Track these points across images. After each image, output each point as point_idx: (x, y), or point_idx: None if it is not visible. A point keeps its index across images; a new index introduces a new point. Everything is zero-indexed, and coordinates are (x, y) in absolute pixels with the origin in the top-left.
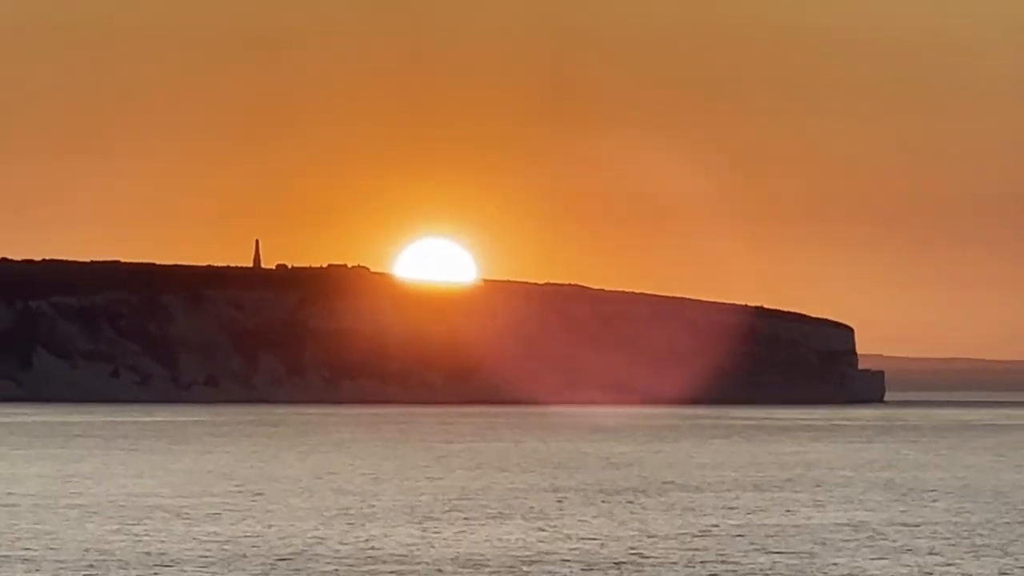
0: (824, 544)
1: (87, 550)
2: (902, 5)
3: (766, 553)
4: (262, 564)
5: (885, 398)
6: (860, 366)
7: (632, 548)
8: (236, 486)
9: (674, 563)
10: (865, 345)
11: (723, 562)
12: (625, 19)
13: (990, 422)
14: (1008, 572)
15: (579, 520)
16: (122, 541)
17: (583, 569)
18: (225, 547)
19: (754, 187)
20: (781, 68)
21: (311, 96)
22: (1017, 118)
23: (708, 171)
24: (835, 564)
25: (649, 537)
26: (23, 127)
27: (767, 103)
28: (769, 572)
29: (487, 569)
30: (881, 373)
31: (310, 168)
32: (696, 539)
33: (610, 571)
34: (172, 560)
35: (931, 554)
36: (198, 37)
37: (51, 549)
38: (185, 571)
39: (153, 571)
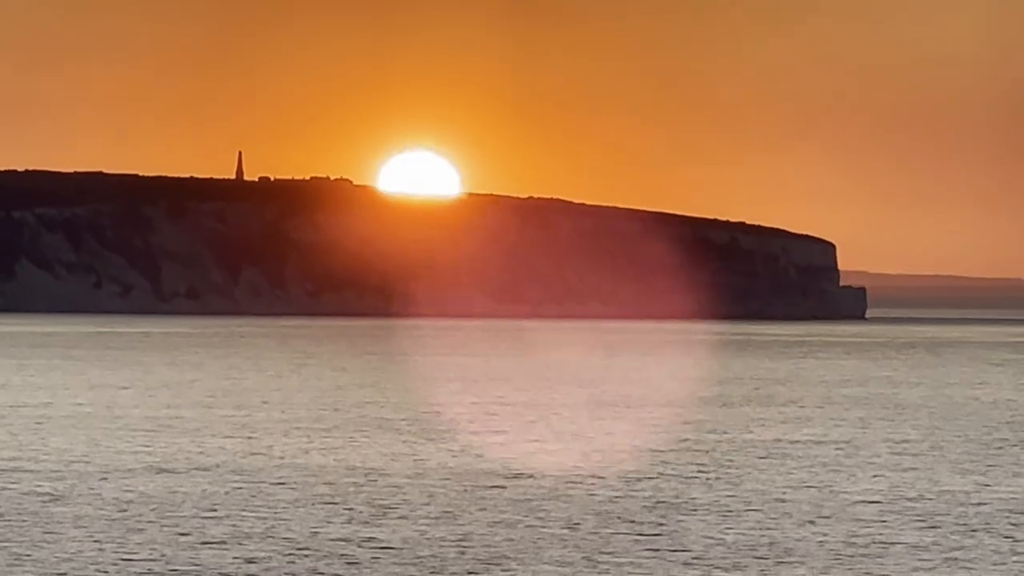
0: (800, 461)
1: (58, 460)
2: None
3: (736, 468)
4: (242, 476)
5: (867, 315)
6: (842, 282)
7: (603, 463)
8: (214, 398)
9: (648, 478)
10: (847, 261)
11: (694, 478)
12: None
13: (972, 339)
14: (987, 488)
15: (555, 434)
16: (94, 452)
17: (557, 482)
18: (206, 458)
19: (736, 103)
20: None
21: (296, 8)
22: (1001, 32)
23: (689, 86)
24: (811, 482)
25: (620, 452)
26: (6, 39)
27: (750, 13)
28: (742, 490)
29: (465, 482)
30: (863, 290)
31: (294, 80)
32: (668, 454)
33: (586, 482)
34: (150, 469)
35: (910, 470)
36: None
37: (22, 459)
38: (154, 481)
39: (124, 481)
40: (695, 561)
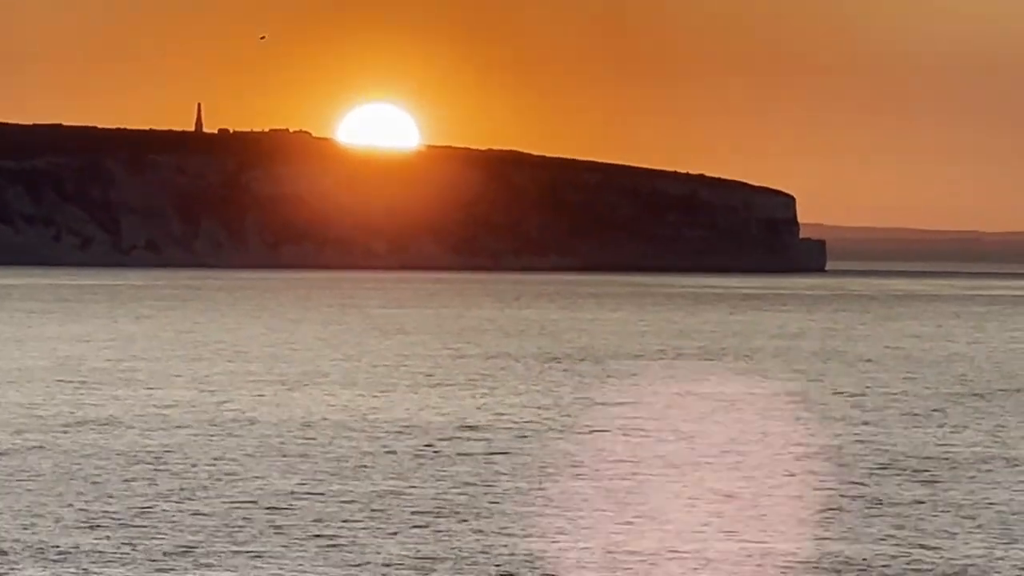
0: (761, 415)
1: (23, 414)
2: None
3: (700, 421)
4: (197, 428)
5: (826, 267)
6: (801, 235)
7: (567, 414)
8: (172, 351)
9: (607, 430)
10: (807, 214)
11: (656, 429)
12: None
13: (928, 292)
14: (943, 440)
15: (517, 387)
16: (56, 404)
17: (517, 436)
18: (162, 412)
19: (694, 55)
20: None
21: None
22: None
23: (650, 40)
24: (769, 431)
25: (586, 405)
26: None
27: None
28: (704, 440)
29: (426, 436)
30: (822, 242)
31: (253, 31)
32: (631, 407)
33: (544, 436)
34: (106, 422)
35: (865, 424)
36: None
37: None
38: (117, 434)
39: (91, 432)
40: (651, 514)
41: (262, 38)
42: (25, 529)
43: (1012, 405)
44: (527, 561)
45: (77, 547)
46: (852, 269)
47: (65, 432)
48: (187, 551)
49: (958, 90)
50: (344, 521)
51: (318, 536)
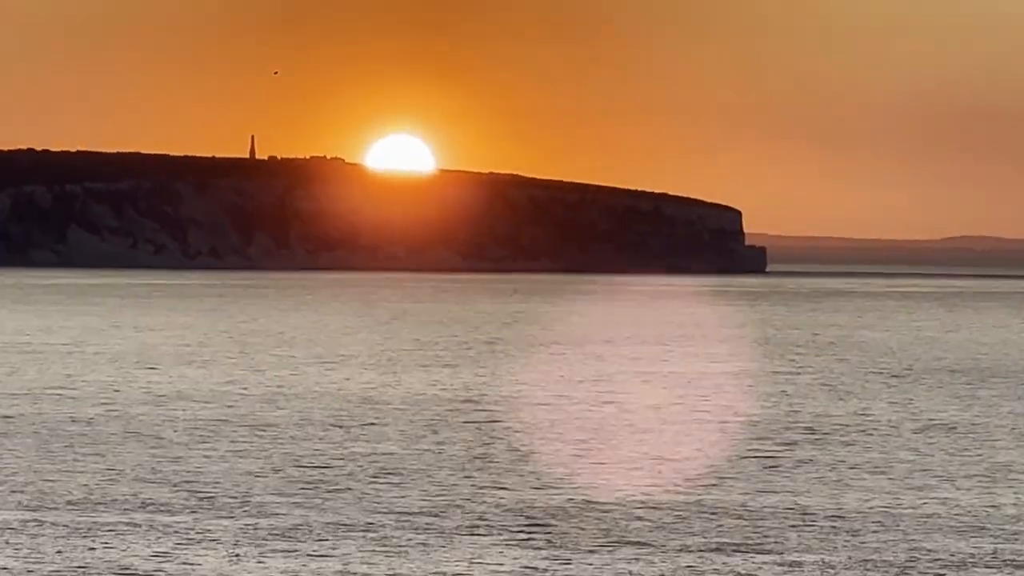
0: (710, 390)
1: (103, 390)
2: None
3: (660, 391)
4: (249, 402)
5: (767, 269)
6: (746, 243)
7: (551, 392)
8: (230, 337)
9: (584, 402)
10: (751, 225)
11: (622, 402)
12: None
13: (854, 290)
14: (864, 412)
15: (511, 368)
16: (134, 382)
17: (512, 409)
18: (220, 388)
19: (663, 99)
20: None
21: (295, 10)
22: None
23: (622, 85)
24: (713, 406)
25: (567, 382)
26: (62, 39)
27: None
28: (658, 410)
29: (435, 407)
30: (763, 248)
31: (297, 73)
32: (602, 383)
33: (536, 409)
34: (175, 397)
35: (799, 398)
36: None
37: (74, 389)
38: (183, 408)
39: (158, 408)
40: (621, 466)
41: (275, 73)
42: (110, 483)
43: (918, 382)
44: (513, 504)
45: (151, 499)
46: (789, 271)
47: (141, 405)
48: (245, 501)
49: (881, 121)
50: (371, 477)
51: (347, 489)
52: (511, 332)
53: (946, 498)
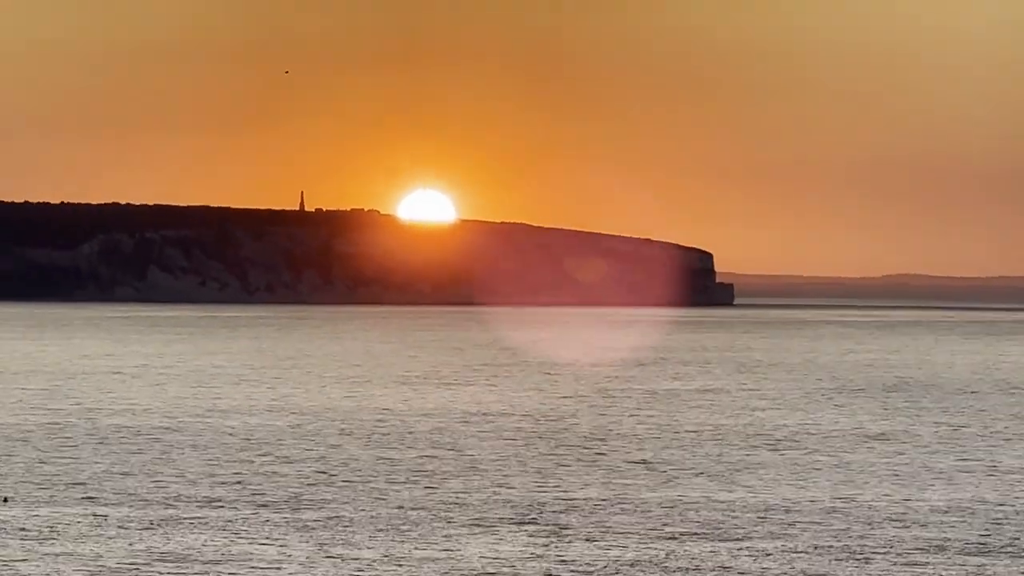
0: (684, 404)
1: (170, 405)
2: None
3: (642, 409)
4: (294, 414)
5: (735, 302)
6: (717, 280)
7: (548, 405)
8: (280, 362)
9: (575, 415)
10: (720, 265)
11: (605, 415)
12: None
13: (807, 319)
14: (813, 422)
15: (517, 387)
16: (196, 398)
17: (519, 419)
18: (269, 403)
19: (645, 154)
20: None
21: (335, 87)
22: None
23: (614, 143)
24: (687, 419)
25: (561, 398)
26: (149, 109)
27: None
28: (640, 422)
29: (451, 418)
30: (731, 285)
31: (340, 137)
32: (593, 398)
33: (538, 420)
34: (233, 410)
35: (764, 411)
36: (233, 45)
37: (143, 402)
38: (237, 418)
39: (218, 418)
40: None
41: (286, 72)
42: (176, 483)
43: (858, 397)
44: (508, 500)
45: (212, 497)
46: (752, 303)
47: (205, 417)
48: (292, 498)
49: (832, 177)
50: (402, 481)
51: (380, 488)
52: (518, 356)
53: (883, 494)
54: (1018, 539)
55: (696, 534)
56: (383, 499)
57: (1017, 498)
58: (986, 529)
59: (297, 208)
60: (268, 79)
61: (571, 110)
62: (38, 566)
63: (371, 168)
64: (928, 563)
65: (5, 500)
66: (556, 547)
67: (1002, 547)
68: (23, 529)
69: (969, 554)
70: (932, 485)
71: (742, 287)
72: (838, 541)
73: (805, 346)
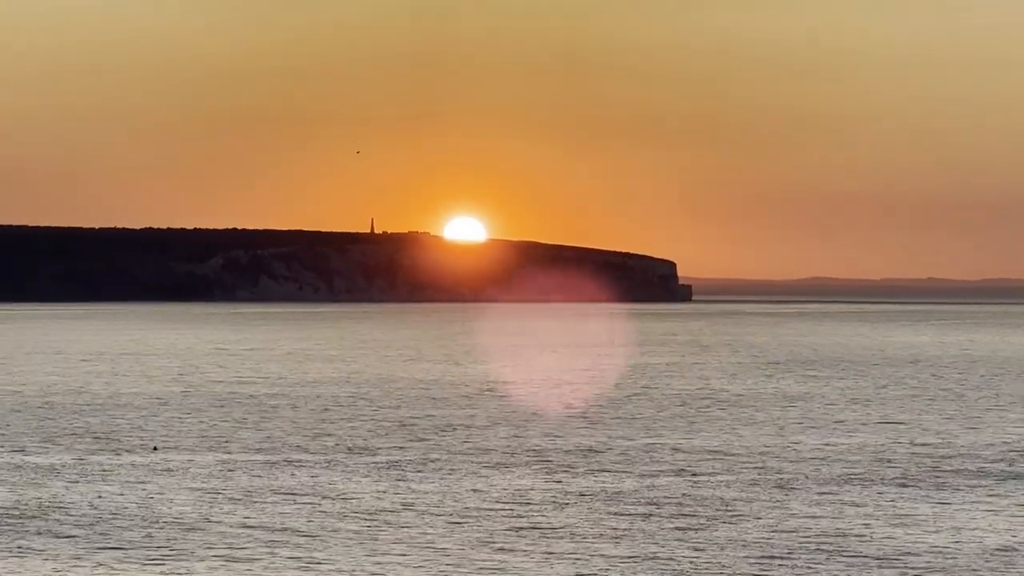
0: (657, 374)
1: (274, 377)
2: None
3: (626, 380)
4: (363, 383)
5: (692, 299)
6: (680, 283)
7: (554, 377)
8: (356, 345)
9: (545, 388)
10: (682, 271)
11: (577, 395)
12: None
13: (747, 311)
14: (751, 388)
15: (527, 363)
16: (295, 371)
17: (533, 388)
18: (348, 375)
19: (629, 185)
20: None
21: (397, 142)
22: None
23: (606, 178)
24: (658, 384)
25: (563, 372)
26: (256, 141)
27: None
28: (622, 391)
29: (482, 386)
30: (690, 286)
31: (399, 178)
32: (568, 386)
33: (518, 399)
34: (318, 381)
35: (712, 379)
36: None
37: (253, 375)
38: (323, 387)
39: (310, 387)
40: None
41: (358, 152)
42: (278, 435)
43: (784, 369)
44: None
45: (304, 446)
46: (705, 300)
47: (299, 386)
48: (366, 446)
49: (767, 200)
50: (447, 432)
51: (430, 438)
52: (526, 337)
53: (803, 440)
54: (908, 471)
55: (666, 471)
56: (435, 446)
57: (900, 441)
58: (879, 463)
59: (369, 231)
60: (349, 131)
61: (576, 153)
62: (180, 497)
63: (423, 200)
64: (841, 490)
65: (155, 449)
66: (564, 481)
67: (893, 478)
68: (168, 470)
69: (871, 482)
70: (837, 433)
71: (701, 288)
72: (773, 475)
73: (743, 331)
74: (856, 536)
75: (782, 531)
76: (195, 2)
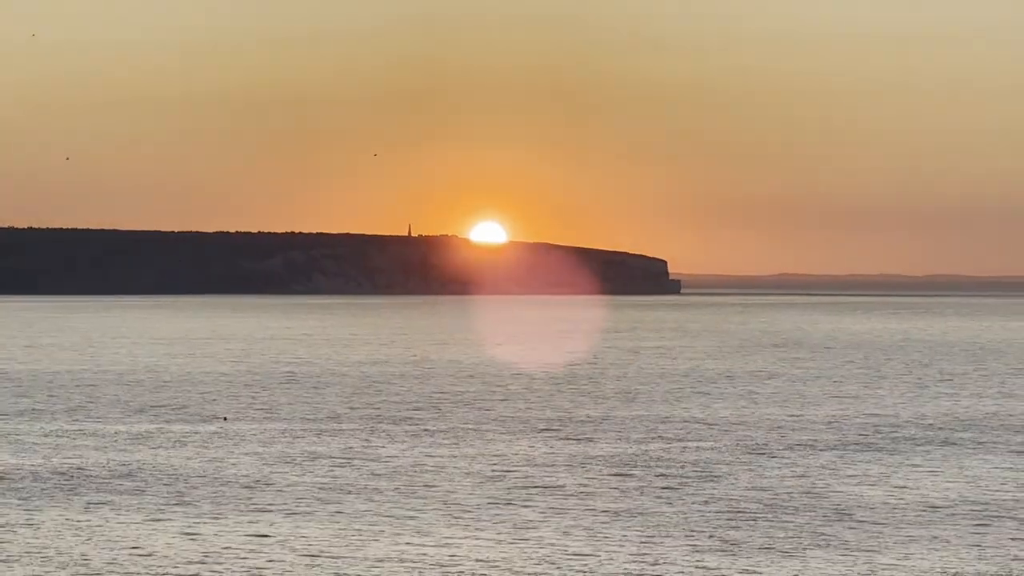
0: (647, 356)
1: (322, 358)
2: None
3: (621, 360)
4: (398, 366)
5: (682, 292)
6: (670, 278)
7: (526, 369)
8: (394, 331)
9: (546, 373)
10: (673, 268)
11: (571, 379)
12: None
13: (727, 303)
14: (728, 368)
15: (538, 347)
16: (338, 354)
17: (541, 367)
18: (383, 360)
19: (628, 193)
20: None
21: (425, 155)
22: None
23: (606, 186)
24: (647, 364)
25: (568, 353)
26: (311, 152)
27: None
28: (622, 369)
29: (497, 367)
30: (679, 281)
31: (432, 188)
32: (564, 368)
33: (530, 377)
34: (359, 363)
35: (693, 360)
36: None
37: (306, 356)
38: (364, 367)
39: (353, 367)
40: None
41: (375, 155)
42: (317, 406)
43: (757, 351)
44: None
45: (336, 414)
46: (693, 293)
47: (341, 365)
48: (399, 416)
49: (752, 205)
50: (468, 406)
51: (453, 411)
52: (550, 326)
53: (774, 412)
54: (862, 437)
55: (656, 438)
56: (461, 418)
57: (855, 412)
58: (837, 431)
59: (406, 234)
60: (391, 150)
61: (582, 167)
62: (245, 460)
63: (453, 207)
64: (806, 454)
65: (225, 419)
66: (569, 447)
67: (849, 444)
68: (235, 437)
69: (830, 447)
70: (806, 406)
71: (690, 283)
72: (749, 442)
73: (722, 319)
74: (818, 494)
75: (755, 489)
76: (263, 31)
